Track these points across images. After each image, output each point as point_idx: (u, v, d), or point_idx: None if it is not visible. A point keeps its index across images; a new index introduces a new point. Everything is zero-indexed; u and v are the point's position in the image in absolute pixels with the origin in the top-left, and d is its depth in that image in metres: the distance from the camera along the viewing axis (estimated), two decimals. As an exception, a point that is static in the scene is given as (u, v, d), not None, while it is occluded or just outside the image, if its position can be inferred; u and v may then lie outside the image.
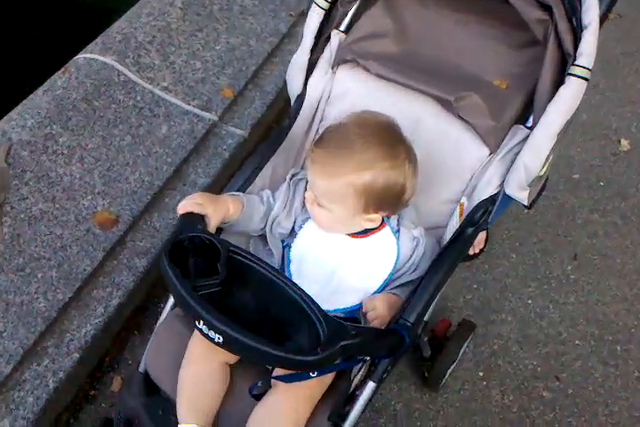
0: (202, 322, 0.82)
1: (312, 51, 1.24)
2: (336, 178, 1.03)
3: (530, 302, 1.86)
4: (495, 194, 1.13)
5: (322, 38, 1.24)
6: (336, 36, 1.25)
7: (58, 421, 1.45)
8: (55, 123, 1.76)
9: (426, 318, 1.19)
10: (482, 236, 1.95)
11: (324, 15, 1.21)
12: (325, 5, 1.20)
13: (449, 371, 1.56)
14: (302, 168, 1.29)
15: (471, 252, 1.94)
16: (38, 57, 2.55)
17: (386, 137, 1.05)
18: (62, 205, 1.66)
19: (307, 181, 1.14)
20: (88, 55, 1.93)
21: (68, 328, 1.48)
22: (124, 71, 1.94)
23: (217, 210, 1.05)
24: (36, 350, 1.43)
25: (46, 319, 1.46)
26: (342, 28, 1.26)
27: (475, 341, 1.73)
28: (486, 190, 1.14)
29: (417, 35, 1.23)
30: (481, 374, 1.68)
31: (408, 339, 0.97)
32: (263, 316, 0.88)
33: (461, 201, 1.18)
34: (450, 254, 1.08)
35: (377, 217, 1.09)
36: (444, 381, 1.58)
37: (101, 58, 1.92)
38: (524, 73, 1.15)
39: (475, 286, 1.89)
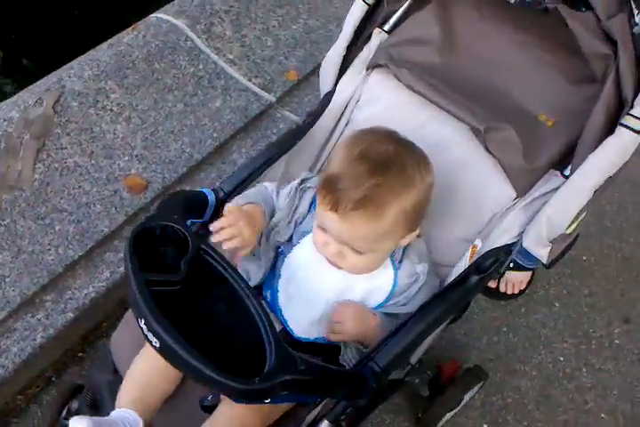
0: (143, 321, 0.78)
1: (349, 48, 1.18)
2: (384, 216, 0.95)
3: (562, 359, 1.74)
4: (512, 244, 1.04)
5: (362, 36, 1.18)
6: (377, 36, 1.18)
7: (40, 376, 1.50)
8: (111, 78, 1.80)
9: (413, 362, 1.12)
10: (525, 275, 1.84)
11: (368, 11, 1.15)
12: (370, 0, 1.13)
13: (446, 418, 1.48)
14: (320, 171, 1.24)
15: (509, 291, 1.84)
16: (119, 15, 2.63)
17: (399, 149, 0.99)
18: (98, 162, 1.70)
19: (308, 205, 1.07)
20: (161, 15, 1.95)
21: (70, 286, 1.52)
22: (193, 37, 1.96)
23: (253, 232, 1.01)
24: (33, 301, 1.48)
25: (51, 273, 1.51)
26: (386, 27, 1.18)
27: (487, 389, 1.63)
28: (502, 238, 1.05)
29: (464, 48, 1.13)
30: (485, 426, 1.59)
31: (374, 385, 0.91)
32: (217, 329, 0.83)
33: (475, 242, 1.10)
34: (443, 301, 1.00)
35: (416, 232, 1.04)
36: (439, 426, 1.50)
37: (173, 20, 1.94)
38: (577, 112, 1.03)
39: (504, 329, 1.79)
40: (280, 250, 1.12)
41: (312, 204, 1.11)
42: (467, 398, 1.54)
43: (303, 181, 1.13)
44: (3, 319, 1.43)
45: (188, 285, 0.85)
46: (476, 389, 1.56)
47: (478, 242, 1.09)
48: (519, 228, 1.04)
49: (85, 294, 1.52)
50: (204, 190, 1.10)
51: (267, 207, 1.08)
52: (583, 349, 1.76)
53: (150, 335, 0.77)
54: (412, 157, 0.99)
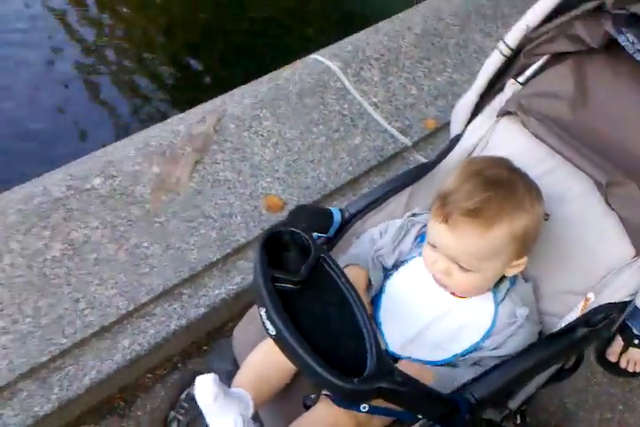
0: (264, 309, 0.90)
1: (482, 95, 1.30)
2: (493, 231, 1.04)
3: (683, 451, 1.73)
4: (627, 302, 1.09)
5: (496, 85, 1.29)
6: (511, 87, 1.28)
7: (168, 360, 1.75)
8: (266, 107, 2.13)
9: (512, 407, 1.16)
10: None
11: (504, 62, 1.25)
12: (507, 52, 1.23)
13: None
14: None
15: (630, 368, 1.84)
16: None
17: (513, 174, 1.10)
18: (244, 179, 2.00)
19: (418, 233, 1.20)
20: (318, 57, 2.30)
21: (205, 284, 1.78)
22: (342, 78, 2.27)
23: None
24: (172, 292, 1.75)
25: (192, 270, 1.78)
26: (521, 79, 1.27)
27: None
28: (617, 294, 1.10)
29: (596, 104, 1.21)
30: None
31: (467, 415, 0.98)
32: (325, 331, 0.92)
33: (588, 295, 1.13)
34: (547, 346, 1.06)
35: (523, 261, 1.12)
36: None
37: (327, 62, 2.28)
38: None
39: (620, 408, 1.80)
40: (388, 271, 1.23)
41: (416, 239, 1.23)
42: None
43: (414, 215, 1.25)
44: (145, 303, 1.69)
45: (306, 287, 0.97)
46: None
47: (591, 295, 1.13)
48: (636, 286, 1.09)
49: (217, 294, 1.77)
50: (332, 209, 1.27)
51: (366, 264, 1.21)
52: None
53: (268, 323, 0.89)
54: (523, 184, 1.09)
